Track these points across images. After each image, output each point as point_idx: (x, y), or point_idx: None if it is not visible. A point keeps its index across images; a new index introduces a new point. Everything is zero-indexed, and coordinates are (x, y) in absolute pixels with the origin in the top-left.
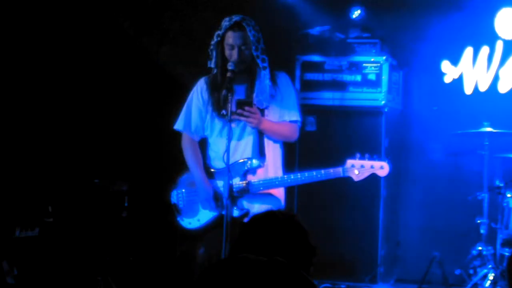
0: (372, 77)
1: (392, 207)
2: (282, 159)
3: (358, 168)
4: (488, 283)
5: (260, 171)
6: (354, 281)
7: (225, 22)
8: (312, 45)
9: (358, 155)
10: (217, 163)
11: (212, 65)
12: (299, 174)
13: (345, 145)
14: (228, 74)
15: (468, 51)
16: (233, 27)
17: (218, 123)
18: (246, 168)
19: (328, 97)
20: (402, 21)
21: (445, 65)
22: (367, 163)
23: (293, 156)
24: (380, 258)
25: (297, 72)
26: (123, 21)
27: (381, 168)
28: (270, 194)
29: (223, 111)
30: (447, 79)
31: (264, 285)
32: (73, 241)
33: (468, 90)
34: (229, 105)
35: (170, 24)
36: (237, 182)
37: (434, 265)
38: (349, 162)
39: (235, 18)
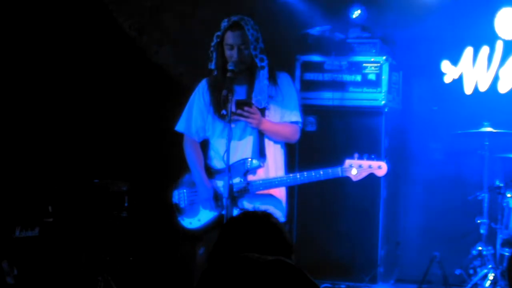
0: (372, 77)
1: (392, 207)
2: (284, 160)
3: (356, 168)
4: (488, 283)
5: (260, 171)
6: (354, 281)
7: (224, 23)
8: (312, 45)
9: (356, 155)
10: (218, 163)
11: (212, 67)
12: (298, 174)
13: (345, 145)
14: (228, 74)
15: (468, 51)
16: (231, 27)
17: (219, 124)
18: (246, 168)
19: (328, 97)
20: (402, 21)
21: (445, 65)
22: (365, 163)
23: (293, 156)
24: (380, 258)
25: (297, 72)
26: (123, 21)
27: (379, 167)
28: (271, 195)
29: (223, 111)
30: (447, 79)
31: (267, 285)
32: (73, 241)
33: (468, 90)
34: (229, 105)
35: (170, 24)
36: (237, 182)
37: (434, 265)
38: (348, 162)
39: (234, 18)
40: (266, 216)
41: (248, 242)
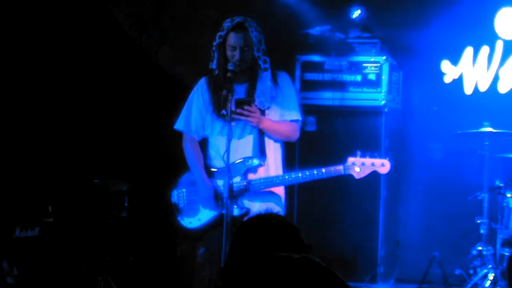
0: (372, 77)
1: (392, 207)
2: (282, 158)
3: (359, 165)
4: (488, 283)
5: (260, 170)
6: (354, 281)
7: (227, 23)
8: (312, 45)
9: (359, 152)
10: (218, 162)
11: (214, 66)
12: (299, 172)
13: (345, 145)
14: (228, 74)
15: (468, 51)
16: (235, 28)
17: (218, 123)
18: (246, 167)
19: (328, 97)
20: (402, 21)
21: (445, 65)
22: (368, 160)
23: (293, 156)
24: (380, 258)
25: (297, 72)
26: (123, 21)
27: (382, 165)
28: (271, 192)
29: (223, 111)
30: (447, 79)
31: (297, 283)
32: (73, 241)
33: (468, 90)
34: (229, 105)
35: (170, 24)
36: (237, 181)
37: (434, 265)
38: (350, 159)
39: (237, 19)
40: (280, 218)
41: (266, 243)
